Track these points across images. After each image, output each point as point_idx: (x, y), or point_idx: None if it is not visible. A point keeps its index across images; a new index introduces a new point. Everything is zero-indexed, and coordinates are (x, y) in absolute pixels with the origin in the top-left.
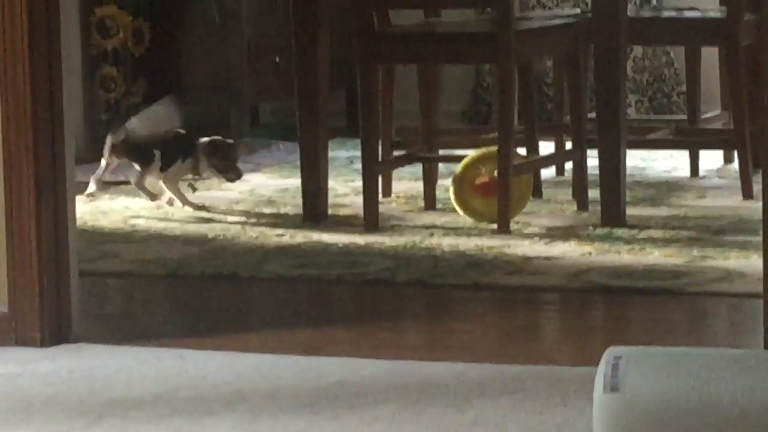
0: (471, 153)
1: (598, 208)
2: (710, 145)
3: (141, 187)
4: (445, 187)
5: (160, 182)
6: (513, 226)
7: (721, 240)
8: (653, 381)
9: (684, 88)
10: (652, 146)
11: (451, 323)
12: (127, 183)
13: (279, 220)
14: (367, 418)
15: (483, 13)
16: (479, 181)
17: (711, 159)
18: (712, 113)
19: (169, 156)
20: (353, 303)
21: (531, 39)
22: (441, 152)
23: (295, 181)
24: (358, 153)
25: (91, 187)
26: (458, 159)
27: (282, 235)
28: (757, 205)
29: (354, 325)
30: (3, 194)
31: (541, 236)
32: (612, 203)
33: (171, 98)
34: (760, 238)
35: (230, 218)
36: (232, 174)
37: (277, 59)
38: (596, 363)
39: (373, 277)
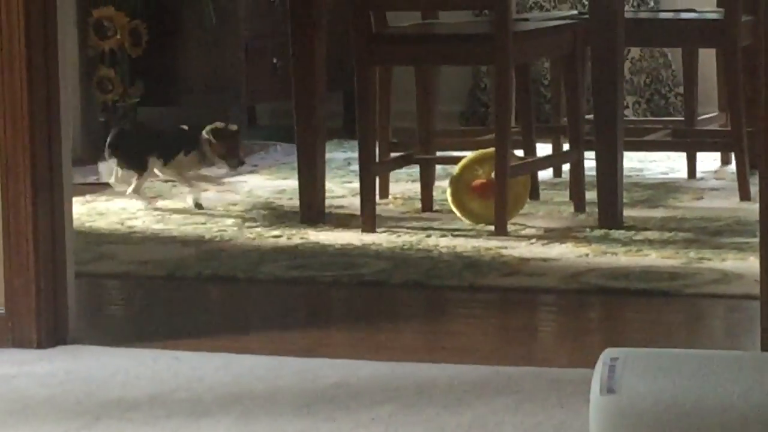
0: (468, 154)
1: (596, 209)
2: (707, 147)
3: (138, 193)
4: (443, 188)
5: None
6: (510, 228)
7: (719, 242)
8: (650, 383)
9: (681, 89)
10: (649, 148)
11: (448, 325)
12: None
13: (276, 222)
14: (363, 420)
15: (480, 14)
16: (476, 182)
17: (708, 160)
18: (710, 115)
19: (167, 151)
20: (350, 304)
21: (528, 40)
22: (438, 154)
23: (292, 183)
24: (356, 154)
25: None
26: (455, 160)
27: (279, 237)
28: (755, 206)
29: (351, 327)
30: (0, 195)
31: (538, 238)
32: (609, 205)
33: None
34: (757, 240)
35: (227, 219)
36: (234, 160)
37: (275, 60)
38: (593, 364)
39: (370, 278)
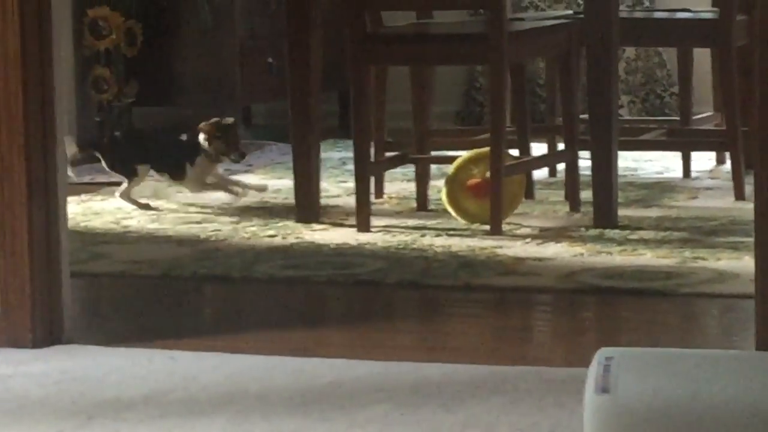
0: (463, 154)
1: (591, 209)
2: (702, 146)
3: (127, 198)
4: (438, 188)
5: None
6: (505, 227)
7: (713, 241)
8: (644, 382)
9: (676, 89)
10: (644, 147)
11: (443, 324)
12: (119, 184)
13: (271, 221)
14: (358, 419)
15: (476, 14)
16: (471, 182)
17: (703, 160)
18: (705, 114)
19: (175, 168)
20: (345, 304)
21: (523, 40)
22: (433, 153)
23: (287, 182)
24: (351, 154)
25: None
26: (450, 160)
27: (274, 236)
28: (749, 206)
29: (346, 326)
30: None
31: (533, 237)
32: (604, 204)
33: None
34: (752, 239)
35: (222, 219)
36: (236, 154)
37: (270, 60)
38: (588, 364)
39: (365, 277)
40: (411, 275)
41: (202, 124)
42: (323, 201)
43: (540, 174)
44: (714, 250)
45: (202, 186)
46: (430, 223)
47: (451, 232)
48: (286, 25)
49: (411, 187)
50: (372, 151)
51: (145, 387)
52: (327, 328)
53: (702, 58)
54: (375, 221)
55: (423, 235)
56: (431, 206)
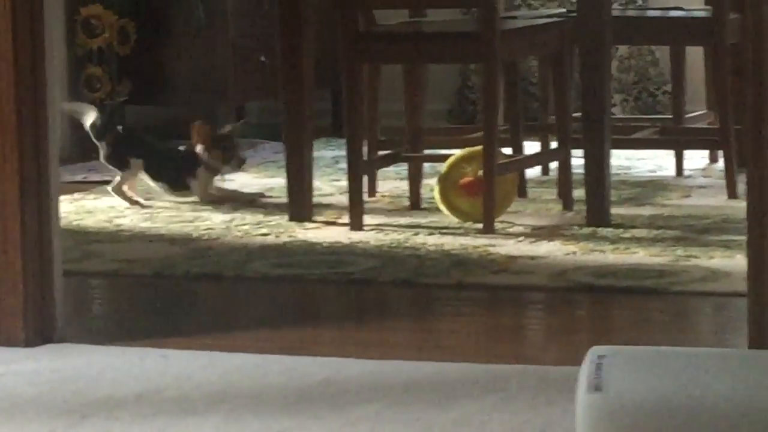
0: (456, 152)
1: (583, 207)
2: (695, 145)
3: (119, 192)
4: (430, 186)
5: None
6: (498, 226)
7: (706, 239)
8: (637, 381)
9: (669, 87)
10: (637, 146)
11: (436, 323)
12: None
13: (264, 220)
14: (351, 418)
15: (468, 12)
16: (464, 180)
17: (696, 158)
18: (697, 112)
19: (175, 180)
20: (338, 302)
21: (516, 38)
22: (426, 152)
23: (280, 181)
24: (344, 152)
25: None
26: (443, 158)
27: (267, 235)
28: (742, 204)
29: (338, 325)
30: None
31: (526, 236)
32: (597, 203)
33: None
34: (744, 238)
35: (215, 217)
36: (235, 162)
37: (263, 59)
38: (580, 362)
39: (357, 276)
40: (404, 274)
41: (197, 138)
42: (316, 199)
43: (533, 172)
44: (706, 249)
45: (207, 197)
46: (422, 221)
47: (444, 231)
48: (278, 24)
49: (404, 186)
50: (365, 149)
51: (137, 386)
52: (319, 327)
53: (695, 56)
54: (368, 220)
55: (416, 234)
56: (424, 205)
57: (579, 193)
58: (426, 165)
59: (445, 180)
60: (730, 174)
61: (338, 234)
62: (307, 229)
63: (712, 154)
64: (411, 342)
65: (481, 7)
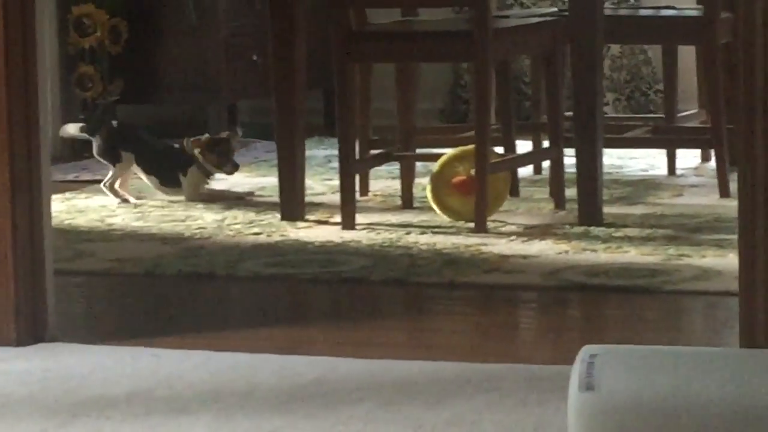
0: (448, 151)
1: (575, 206)
2: (687, 144)
3: (111, 189)
4: (423, 185)
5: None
6: (490, 225)
7: (698, 238)
8: (628, 380)
9: (661, 86)
10: (629, 145)
11: (428, 322)
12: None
13: (256, 219)
14: (342, 417)
15: (460, 11)
16: (456, 179)
17: (688, 157)
18: (690, 112)
19: (166, 175)
20: (330, 302)
21: (508, 37)
22: (418, 151)
23: (272, 180)
24: (336, 151)
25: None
26: (436, 157)
27: (259, 234)
28: (734, 203)
29: (330, 324)
30: None
31: (518, 235)
32: (589, 202)
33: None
34: (736, 237)
35: (207, 216)
36: (229, 166)
37: (255, 57)
38: (572, 361)
39: (349, 275)
40: (396, 273)
41: (194, 139)
42: (308, 199)
43: (525, 171)
44: (698, 248)
45: (197, 196)
46: (415, 220)
47: (436, 230)
48: (270, 23)
49: (396, 185)
50: (357, 148)
51: (129, 385)
52: (311, 326)
53: (687, 55)
54: (360, 219)
55: (408, 233)
56: (416, 204)
57: (571, 192)
58: (418, 164)
59: (437, 179)
60: (722, 173)
61: (330, 233)
62: (299, 228)
63: (704, 153)
64: (403, 341)
65: (473, 7)
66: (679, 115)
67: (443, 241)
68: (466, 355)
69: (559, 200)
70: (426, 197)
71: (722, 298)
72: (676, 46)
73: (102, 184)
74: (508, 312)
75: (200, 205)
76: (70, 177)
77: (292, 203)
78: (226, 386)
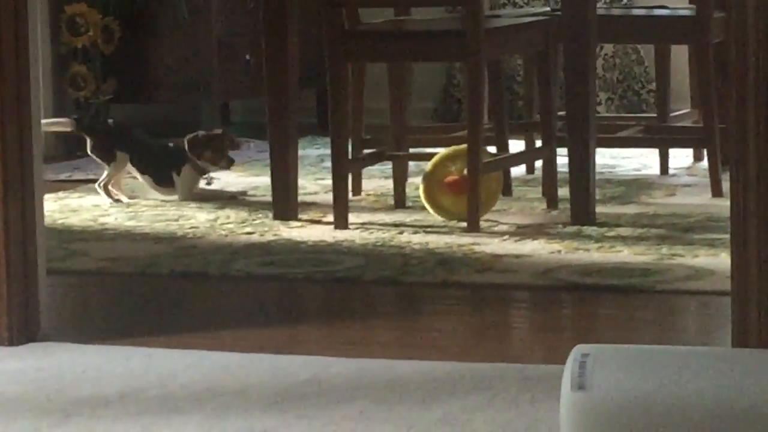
0: (441, 151)
1: (568, 206)
2: (680, 143)
3: (104, 189)
4: (415, 185)
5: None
6: (482, 224)
7: (691, 238)
8: (620, 379)
9: (654, 86)
10: (622, 144)
11: (421, 321)
12: (95, 181)
13: (249, 218)
14: (335, 417)
15: (453, 10)
16: (449, 178)
17: (681, 157)
18: (682, 111)
19: (160, 175)
20: (322, 301)
21: (501, 37)
22: (411, 150)
23: (265, 179)
24: (328, 151)
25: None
26: (428, 157)
27: (251, 233)
28: (727, 203)
29: (323, 324)
30: None
31: (511, 234)
32: (581, 201)
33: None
34: (728, 236)
35: (200, 216)
36: (224, 163)
37: (248, 57)
38: (565, 361)
39: (342, 275)
40: (388, 272)
41: (189, 136)
42: (301, 198)
43: (517, 171)
44: (691, 247)
45: (190, 194)
46: (407, 220)
47: (429, 229)
48: (263, 22)
49: (389, 184)
50: (350, 148)
51: (121, 384)
52: (304, 326)
53: (679, 55)
54: (353, 218)
55: (401, 232)
56: (409, 203)
57: (564, 191)
58: (411, 163)
59: (430, 178)
60: (714, 172)
61: (323, 233)
62: (292, 227)
63: (696, 152)
64: (395, 340)
65: (466, 6)
66: (671, 114)
67: (436, 241)
68: (459, 355)
69: (551, 200)
70: (419, 197)
71: (714, 297)
72: (668, 46)
73: (96, 184)
74: (500, 311)
75: (193, 205)
76: (63, 176)
77: (285, 203)
78: (219, 386)
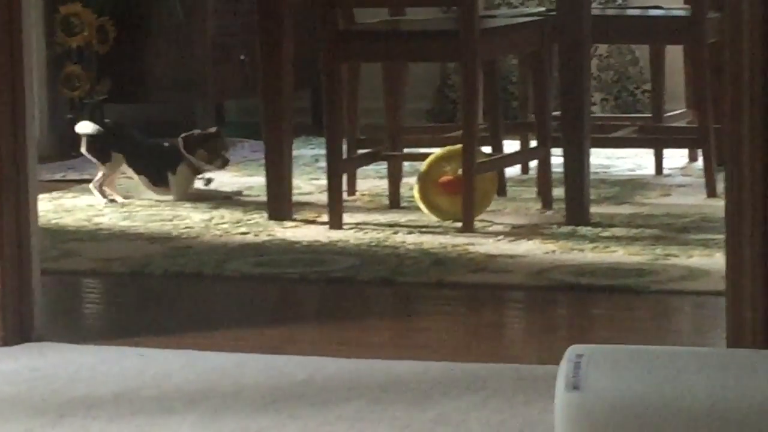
0: (436, 151)
1: (563, 206)
2: (675, 143)
3: (98, 188)
4: (410, 185)
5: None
6: (477, 225)
7: (685, 238)
8: (615, 379)
9: (649, 86)
10: (616, 144)
11: (415, 321)
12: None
13: (243, 218)
14: (330, 417)
15: (448, 11)
16: (444, 179)
17: (675, 157)
18: (677, 111)
19: (156, 174)
20: (317, 301)
21: (495, 37)
22: (406, 150)
23: (259, 179)
24: (323, 151)
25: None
26: (423, 157)
27: (246, 233)
28: (721, 203)
29: (318, 324)
30: None
31: (506, 234)
32: (576, 201)
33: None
34: (723, 237)
35: (194, 216)
36: (219, 161)
37: (242, 57)
38: (560, 361)
39: (337, 275)
40: (383, 272)
41: (184, 135)
42: (295, 198)
43: (512, 171)
44: (686, 248)
45: (185, 194)
46: (402, 220)
47: (424, 230)
48: (258, 22)
49: (383, 184)
50: (344, 148)
51: (115, 385)
52: (299, 326)
53: (674, 55)
54: (347, 218)
55: (395, 233)
56: (404, 203)
57: (558, 191)
58: (406, 164)
59: (424, 178)
60: (709, 173)
61: (317, 233)
62: (287, 227)
63: (691, 152)
64: (390, 341)
65: (460, 6)
66: (666, 114)
67: (430, 241)
68: (454, 355)
69: (546, 200)
70: (413, 197)
71: (709, 297)
72: (663, 46)
73: (91, 184)
74: (495, 312)
75: (187, 205)
76: (57, 176)
77: (280, 203)
78: (213, 386)
